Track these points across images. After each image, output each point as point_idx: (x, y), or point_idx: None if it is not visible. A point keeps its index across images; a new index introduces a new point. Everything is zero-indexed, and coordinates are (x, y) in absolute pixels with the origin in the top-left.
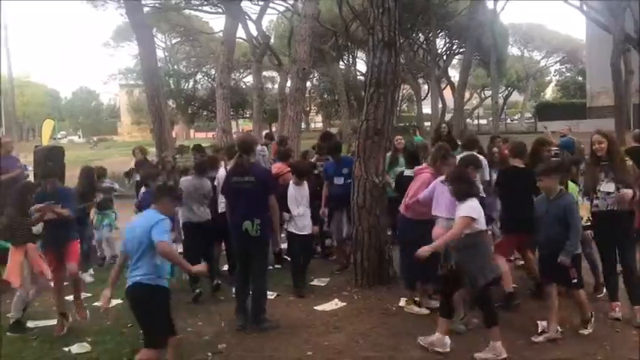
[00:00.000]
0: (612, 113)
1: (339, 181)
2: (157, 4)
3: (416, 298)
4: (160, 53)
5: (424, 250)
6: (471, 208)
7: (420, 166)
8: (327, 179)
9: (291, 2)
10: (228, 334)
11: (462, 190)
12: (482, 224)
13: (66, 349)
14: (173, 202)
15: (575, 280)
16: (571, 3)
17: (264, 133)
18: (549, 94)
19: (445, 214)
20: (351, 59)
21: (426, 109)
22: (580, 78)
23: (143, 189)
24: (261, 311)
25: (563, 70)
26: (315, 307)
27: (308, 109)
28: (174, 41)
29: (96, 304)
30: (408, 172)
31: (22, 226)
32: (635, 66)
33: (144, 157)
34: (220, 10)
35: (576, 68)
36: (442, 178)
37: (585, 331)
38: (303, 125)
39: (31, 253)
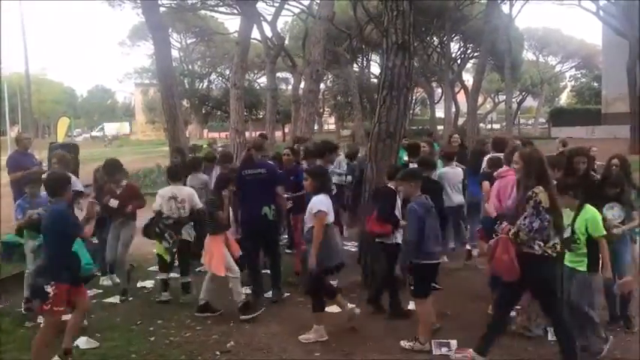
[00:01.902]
0: (628, 120)
1: None
2: (173, 4)
3: None
4: (175, 53)
5: None
6: (321, 202)
7: (502, 169)
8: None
9: (306, 4)
10: (236, 333)
11: (318, 185)
12: (330, 218)
13: (74, 343)
14: None
15: (412, 287)
16: (587, 8)
17: (257, 133)
18: (564, 99)
19: None
20: (364, 62)
21: (439, 112)
22: (595, 84)
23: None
24: (280, 278)
25: (579, 75)
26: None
27: (321, 110)
28: (189, 41)
29: (108, 300)
30: None
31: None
32: None
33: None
34: (236, 11)
35: (592, 74)
36: None
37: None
38: (315, 127)
39: (229, 239)
